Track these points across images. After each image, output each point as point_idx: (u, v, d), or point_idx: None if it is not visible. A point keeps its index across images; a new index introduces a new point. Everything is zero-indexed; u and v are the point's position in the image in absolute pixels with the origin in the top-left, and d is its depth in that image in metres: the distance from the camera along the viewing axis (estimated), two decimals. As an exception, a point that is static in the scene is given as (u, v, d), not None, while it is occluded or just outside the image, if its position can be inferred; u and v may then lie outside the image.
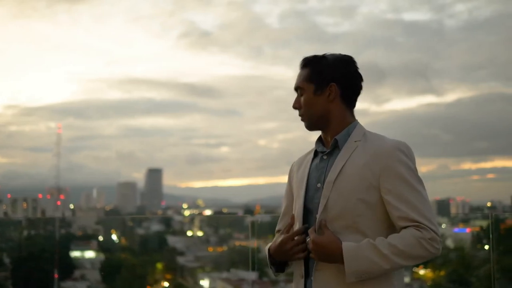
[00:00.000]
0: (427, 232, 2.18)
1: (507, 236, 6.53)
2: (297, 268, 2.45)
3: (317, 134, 2.51)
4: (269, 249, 2.52)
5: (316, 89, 2.39)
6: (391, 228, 2.28)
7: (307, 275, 2.38)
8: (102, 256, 14.85)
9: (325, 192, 2.31)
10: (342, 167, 2.30)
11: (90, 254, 15.24)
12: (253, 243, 7.45)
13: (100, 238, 17.24)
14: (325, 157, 2.41)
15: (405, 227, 2.22)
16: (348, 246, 2.19)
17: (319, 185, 2.37)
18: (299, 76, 2.44)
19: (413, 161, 2.30)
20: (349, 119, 2.43)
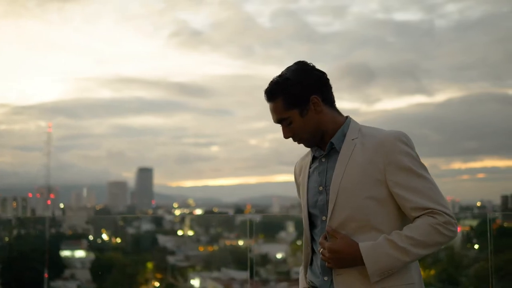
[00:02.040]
0: (441, 217, 2.17)
1: (498, 235, 6.56)
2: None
3: None
4: None
5: (301, 111, 2.34)
6: (404, 220, 2.27)
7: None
8: (92, 256, 14.82)
9: (332, 195, 2.29)
10: (345, 168, 2.28)
11: (80, 253, 15.22)
12: (250, 242, 7.41)
13: (90, 237, 17.23)
14: (323, 160, 2.39)
15: (418, 216, 2.21)
16: (365, 246, 2.18)
17: (321, 188, 2.36)
18: (275, 109, 2.37)
19: (413, 149, 2.28)
20: (340, 119, 2.40)
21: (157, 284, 13.63)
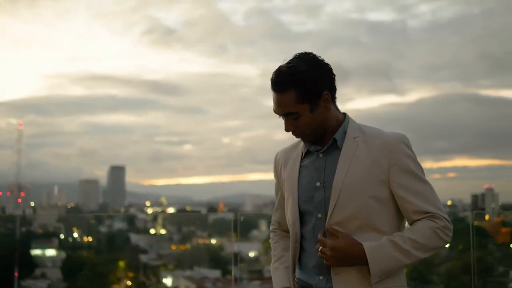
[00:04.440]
0: (441, 221, 2.20)
1: (469, 234, 6.62)
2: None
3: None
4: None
5: (312, 107, 2.25)
6: (402, 222, 2.30)
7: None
8: (63, 255, 14.71)
9: (334, 192, 2.23)
10: (349, 166, 2.24)
11: (51, 252, 15.08)
12: (235, 240, 7.34)
13: (61, 236, 17.07)
14: (320, 155, 2.33)
15: (418, 220, 2.22)
16: (370, 246, 2.16)
17: (318, 184, 2.30)
18: (284, 101, 2.24)
19: (414, 152, 2.28)
20: (340, 116, 2.35)
21: (129, 283, 13.53)
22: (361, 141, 2.27)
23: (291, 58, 2.29)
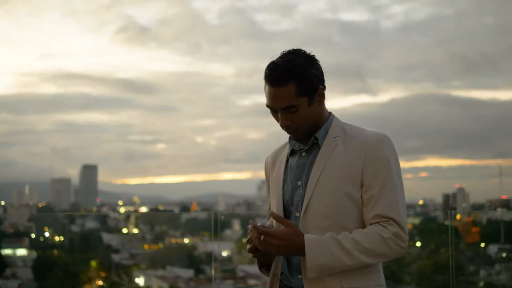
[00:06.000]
0: (393, 228, 2.13)
1: (440, 233, 6.65)
2: (274, 268, 2.36)
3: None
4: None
5: (310, 100, 2.23)
6: None
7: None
8: (34, 254, 14.56)
9: (308, 190, 2.22)
10: (325, 164, 2.22)
11: (21, 252, 14.93)
12: (215, 240, 7.30)
13: (33, 235, 16.90)
14: (303, 154, 2.32)
15: (372, 223, 2.16)
16: (310, 238, 2.10)
17: (299, 183, 2.28)
18: (283, 94, 2.19)
19: (393, 153, 2.24)
20: (326, 114, 2.34)
21: (101, 282, 13.44)
22: (340, 141, 2.25)
23: (282, 54, 2.27)
